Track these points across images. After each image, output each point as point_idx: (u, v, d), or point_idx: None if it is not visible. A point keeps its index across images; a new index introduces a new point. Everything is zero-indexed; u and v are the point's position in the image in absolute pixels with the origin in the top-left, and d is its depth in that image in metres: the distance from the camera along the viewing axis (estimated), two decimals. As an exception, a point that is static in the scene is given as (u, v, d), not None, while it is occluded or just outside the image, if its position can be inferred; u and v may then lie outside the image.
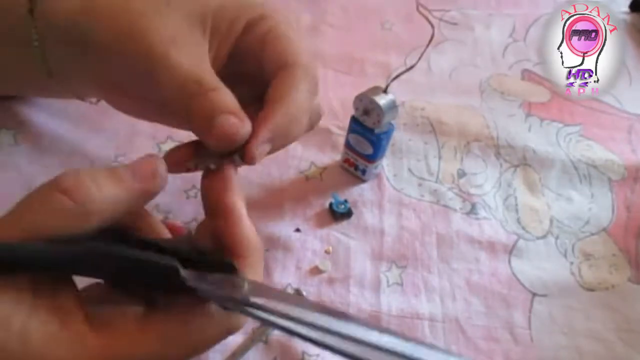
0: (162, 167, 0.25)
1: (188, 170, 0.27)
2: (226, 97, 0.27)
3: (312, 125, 0.32)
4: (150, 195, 0.25)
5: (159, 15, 0.28)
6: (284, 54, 0.29)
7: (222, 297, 0.24)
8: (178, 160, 0.28)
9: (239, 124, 0.26)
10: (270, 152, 0.28)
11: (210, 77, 0.27)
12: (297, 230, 0.40)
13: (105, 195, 0.23)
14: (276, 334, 0.35)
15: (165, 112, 0.31)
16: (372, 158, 0.40)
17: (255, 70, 0.30)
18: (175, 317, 0.24)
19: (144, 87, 0.29)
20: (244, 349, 0.34)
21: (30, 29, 0.30)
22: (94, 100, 0.37)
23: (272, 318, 0.23)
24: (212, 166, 0.27)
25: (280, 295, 0.25)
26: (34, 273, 0.22)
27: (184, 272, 0.23)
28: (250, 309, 0.23)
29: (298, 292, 0.36)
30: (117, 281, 0.25)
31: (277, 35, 0.30)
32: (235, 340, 0.34)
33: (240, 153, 0.27)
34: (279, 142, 0.29)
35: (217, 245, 0.27)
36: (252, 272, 0.25)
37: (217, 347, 0.34)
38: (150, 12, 0.28)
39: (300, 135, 0.31)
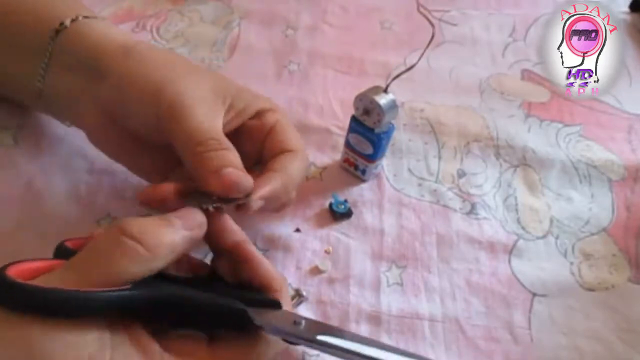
0: (203, 217, 0.29)
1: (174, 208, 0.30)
2: (237, 157, 0.32)
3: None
4: (196, 242, 0.29)
5: (186, 80, 0.33)
6: (288, 142, 0.35)
7: (288, 334, 0.28)
8: (163, 197, 0.31)
9: (243, 176, 0.30)
10: (256, 211, 0.32)
11: (225, 139, 0.32)
12: (297, 230, 0.40)
13: (167, 242, 0.26)
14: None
15: (145, 160, 0.36)
16: (372, 158, 0.40)
17: (250, 148, 0.36)
18: (240, 344, 0.27)
19: (153, 134, 0.33)
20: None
21: (46, 47, 0.34)
22: (67, 123, 0.41)
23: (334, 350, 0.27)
24: (211, 208, 0.30)
25: (335, 330, 0.29)
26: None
27: (250, 312, 0.27)
28: (315, 345, 0.27)
29: (298, 292, 0.36)
30: (182, 322, 0.27)
31: (281, 127, 0.36)
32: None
33: (234, 203, 0.31)
34: (270, 204, 0.33)
35: (238, 279, 0.31)
36: (285, 302, 0.30)
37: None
38: (177, 75, 0.33)
39: (287, 206, 0.36)
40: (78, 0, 0.38)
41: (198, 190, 0.31)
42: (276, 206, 0.35)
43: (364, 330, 0.35)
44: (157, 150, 0.35)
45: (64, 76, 0.35)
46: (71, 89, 0.35)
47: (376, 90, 0.37)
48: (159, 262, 0.25)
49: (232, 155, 0.31)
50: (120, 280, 0.24)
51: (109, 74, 0.33)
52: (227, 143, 0.32)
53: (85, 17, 0.35)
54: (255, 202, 0.31)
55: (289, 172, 0.34)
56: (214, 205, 0.30)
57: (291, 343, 0.28)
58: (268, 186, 0.32)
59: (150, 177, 0.37)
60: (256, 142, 0.36)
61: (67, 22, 0.34)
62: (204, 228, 0.29)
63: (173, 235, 0.26)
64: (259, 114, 0.36)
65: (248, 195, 0.31)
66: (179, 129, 0.31)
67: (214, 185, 0.30)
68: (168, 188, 0.31)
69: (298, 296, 0.36)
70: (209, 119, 0.32)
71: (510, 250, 0.40)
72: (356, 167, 0.42)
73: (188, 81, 0.33)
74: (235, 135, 0.35)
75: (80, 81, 0.34)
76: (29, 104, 0.41)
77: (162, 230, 0.26)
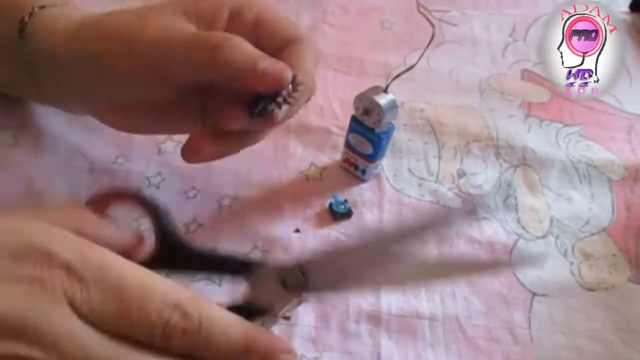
0: None
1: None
2: (251, 47, 0.29)
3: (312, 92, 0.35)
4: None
5: (147, 17, 0.30)
6: (284, 33, 0.32)
7: None
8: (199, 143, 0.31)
9: (279, 66, 0.28)
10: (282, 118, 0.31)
11: (225, 34, 0.29)
12: (297, 230, 0.40)
13: None
14: (275, 334, 0.35)
15: (166, 112, 0.33)
16: (372, 158, 0.40)
17: None
18: None
19: (154, 83, 0.31)
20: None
21: (18, 48, 0.32)
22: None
23: None
24: (279, 107, 0.29)
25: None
26: None
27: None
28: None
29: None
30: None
31: (268, 18, 0.32)
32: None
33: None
34: (296, 108, 0.32)
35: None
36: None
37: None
38: (135, 20, 0.30)
39: (308, 100, 0.34)
40: None
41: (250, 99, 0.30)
42: (300, 106, 0.33)
43: (364, 329, 0.35)
44: (176, 107, 0.33)
45: (40, 72, 0.34)
46: (50, 84, 0.34)
47: (376, 90, 0.37)
48: None
49: (247, 44, 0.29)
50: None
51: (66, 62, 0.31)
52: (224, 35, 0.29)
53: (41, 6, 0.33)
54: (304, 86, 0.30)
55: (307, 67, 0.32)
56: (279, 102, 0.29)
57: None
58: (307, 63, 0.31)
59: (182, 129, 0.36)
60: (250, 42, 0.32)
61: (26, 18, 0.33)
62: None
63: None
64: (233, 15, 0.32)
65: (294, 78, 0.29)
66: (174, 54, 0.29)
67: (257, 85, 0.28)
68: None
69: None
70: (192, 30, 0.30)
71: (511, 250, 0.40)
72: (356, 167, 0.42)
73: (147, 21, 0.30)
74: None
75: (50, 76, 0.33)
76: (31, 99, 0.41)
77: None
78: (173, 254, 0.28)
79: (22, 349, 0.18)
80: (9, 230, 0.20)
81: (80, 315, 0.19)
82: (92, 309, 0.19)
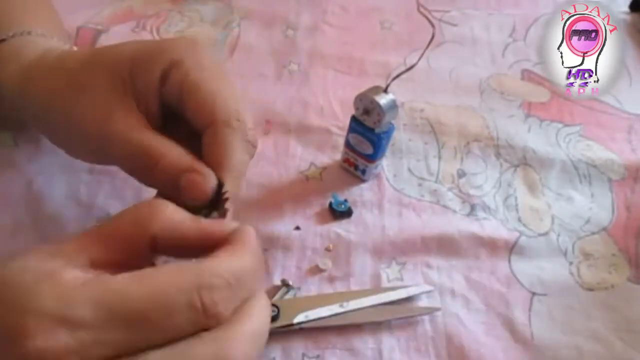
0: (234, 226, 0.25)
1: None
2: (180, 158, 0.28)
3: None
4: (212, 239, 0.24)
5: (84, 91, 0.29)
6: (202, 111, 0.29)
7: None
8: None
9: (200, 178, 0.27)
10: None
11: (156, 143, 0.28)
12: (297, 228, 0.40)
13: (175, 217, 0.23)
14: (276, 333, 0.35)
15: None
16: (372, 158, 0.40)
17: (186, 113, 0.30)
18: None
19: (95, 155, 0.32)
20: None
21: None
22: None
23: None
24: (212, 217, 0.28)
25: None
26: None
27: None
28: None
29: (284, 282, 0.37)
30: None
31: (190, 88, 0.29)
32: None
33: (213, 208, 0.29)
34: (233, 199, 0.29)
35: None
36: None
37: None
38: (74, 97, 0.29)
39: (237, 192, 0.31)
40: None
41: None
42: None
43: (365, 326, 0.35)
44: None
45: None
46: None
47: (376, 90, 0.37)
48: (150, 229, 0.22)
49: (172, 159, 0.27)
50: (112, 238, 0.22)
51: (15, 104, 0.33)
52: (159, 147, 0.28)
53: (2, 39, 0.34)
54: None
55: (232, 163, 0.29)
56: (211, 215, 0.28)
57: None
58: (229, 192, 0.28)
59: None
60: (182, 106, 0.30)
61: None
62: (225, 233, 0.25)
63: (186, 218, 0.24)
64: (163, 78, 0.29)
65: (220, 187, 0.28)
66: (109, 154, 0.29)
67: (182, 198, 0.27)
68: None
69: (285, 286, 0.36)
70: (128, 129, 0.28)
71: (512, 248, 0.40)
72: (356, 167, 0.42)
73: (83, 102, 0.29)
74: (166, 107, 0.30)
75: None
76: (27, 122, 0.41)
77: (179, 211, 0.24)
78: None
79: None
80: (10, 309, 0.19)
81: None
82: (113, 342, 0.19)
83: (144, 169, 0.28)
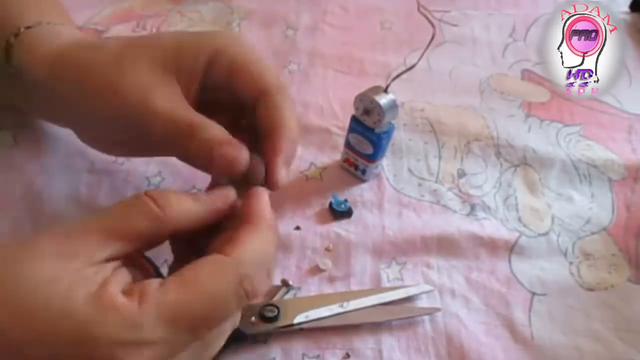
0: (233, 193, 0.28)
1: None
2: (217, 131, 0.29)
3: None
4: (221, 212, 0.28)
5: (125, 71, 0.30)
6: (255, 82, 0.31)
7: None
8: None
9: (235, 151, 0.28)
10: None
11: (196, 116, 0.29)
12: (297, 228, 0.40)
13: (182, 206, 0.25)
14: (276, 333, 0.35)
15: (153, 151, 0.34)
16: (373, 158, 0.40)
17: (227, 99, 0.32)
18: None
19: (126, 137, 0.31)
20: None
21: (5, 67, 0.33)
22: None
23: None
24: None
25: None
26: None
27: None
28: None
29: (285, 282, 0.37)
30: None
31: (240, 66, 0.31)
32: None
33: (261, 182, 0.30)
34: (289, 164, 0.31)
35: None
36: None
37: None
38: (115, 70, 0.30)
39: (294, 152, 0.33)
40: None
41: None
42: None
43: (365, 326, 0.35)
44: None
45: (34, 96, 0.34)
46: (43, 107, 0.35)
47: (376, 90, 0.37)
48: (170, 223, 0.25)
49: (212, 131, 0.29)
50: (132, 235, 0.24)
51: (43, 89, 0.32)
52: (199, 120, 0.29)
53: (28, 27, 0.33)
54: (281, 174, 0.30)
55: (287, 123, 0.31)
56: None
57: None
58: (283, 153, 0.30)
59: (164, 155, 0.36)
60: (226, 90, 0.32)
61: (12, 40, 0.33)
62: (230, 202, 0.28)
63: (191, 203, 0.26)
64: (210, 63, 0.31)
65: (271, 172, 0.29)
66: (147, 126, 0.29)
67: (212, 172, 0.29)
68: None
69: (285, 286, 0.36)
70: (169, 103, 0.29)
71: (512, 248, 0.40)
72: (356, 167, 0.42)
73: (127, 77, 0.30)
74: (204, 94, 0.32)
75: (25, 97, 0.34)
76: (34, 113, 0.41)
77: (181, 197, 0.26)
78: None
79: None
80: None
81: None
82: (181, 345, 0.23)
83: (181, 142, 0.29)
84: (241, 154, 0.29)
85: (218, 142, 0.29)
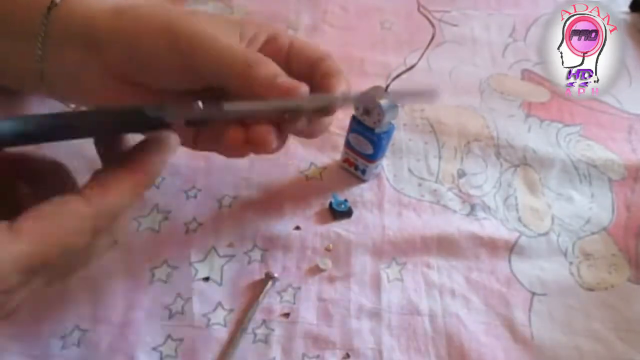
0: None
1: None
2: (279, 68, 0.31)
3: None
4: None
5: (189, 17, 0.32)
6: (314, 53, 0.35)
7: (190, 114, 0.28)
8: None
9: (297, 82, 0.30)
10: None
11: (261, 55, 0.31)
12: (297, 228, 0.40)
13: None
14: (276, 334, 0.35)
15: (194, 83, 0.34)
16: (373, 158, 0.40)
17: None
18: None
19: (184, 78, 0.32)
20: (233, 345, 0.34)
21: (40, 26, 0.33)
22: (72, 106, 0.41)
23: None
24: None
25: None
26: None
27: (147, 109, 0.27)
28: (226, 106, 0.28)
29: (268, 274, 0.37)
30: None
31: (299, 44, 0.35)
32: (222, 337, 0.34)
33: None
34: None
35: None
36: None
37: (204, 345, 0.34)
38: (185, 15, 0.32)
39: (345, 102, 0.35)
40: None
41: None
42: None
43: (365, 326, 0.36)
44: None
45: (63, 53, 0.34)
46: (72, 65, 0.34)
47: (377, 90, 0.37)
48: None
49: (276, 65, 0.31)
50: None
51: (107, 38, 0.32)
52: (265, 57, 0.31)
53: None
54: (339, 99, 0.33)
55: (339, 71, 0.34)
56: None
57: (197, 125, 0.28)
58: (343, 84, 0.33)
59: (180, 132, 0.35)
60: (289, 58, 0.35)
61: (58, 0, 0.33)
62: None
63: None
64: (269, 40, 0.35)
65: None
66: (209, 56, 0.30)
67: (271, 96, 0.30)
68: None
69: (270, 279, 0.37)
70: (235, 42, 0.32)
71: (512, 248, 0.40)
72: (356, 167, 0.42)
73: (195, 17, 0.32)
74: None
75: (79, 55, 0.33)
76: (31, 90, 0.40)
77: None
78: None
79: None
80: None
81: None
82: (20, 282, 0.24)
83: (246, 68, 0.30)
84: (302, 87, 0.30)
85: (281, 71, 0.31)
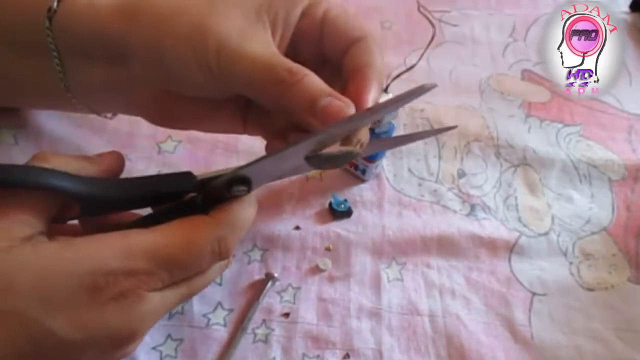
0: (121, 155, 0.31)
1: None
2: (319, 81, 0.28)
3: None
4: (115, 172, 0.31)
5: (219, 13, 0.28)
6: (349, 31, 0.31)
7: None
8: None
9: (341, 104, 0.27)
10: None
11: (294, 63, 0.28)
12: (297, 228, 0.40)
13: (71, 167, 0.27)
14: (276, 333, 0.35)
15: (219, 113, 0.33)
16: (372, 158, 0.40)
17: (310, 55, 0.31)
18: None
19: (212, 87, 0.29)
20: (233, 345, 0.34)
21: (45, 37, 0.29)
22: (109, 115, 0.37)
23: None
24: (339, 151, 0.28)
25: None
26: None
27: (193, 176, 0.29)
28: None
29: (269, 275, 0.37)
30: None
31: (333, 16, 0.31)
32: (221, 337, 0.34)
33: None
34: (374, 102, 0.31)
35: None
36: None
37: (204, 345, 0.34)
38: (208, 11, 0.28)
39: (379, 95, 0.32)
40: None
41: (297, 129, 0.29)
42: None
43: (365, 326, 0.36)
44: (225, 104, 0.32)
45: (83, 68, 0.31)
46: (97, 78, 0.31)
47: (376, 90, 0.37)
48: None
49: (315, 80, 0.27)
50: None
51: (124, 45, 0.29)
52: (300, 67, 0.28)
53: None
54: (368, 119, 0.29)
55: (376, 66, 0.30)
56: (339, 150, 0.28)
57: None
58: (371, 91, 0.29)
59: (236, 131, 0.34)
60: (313, 44, 0.31)
61: (55, 5, 0.29)
62: (121, 161, 0.31)
63: (79, 163, 0.28)
64: (304, 14, 0.31)
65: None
66: (241, 71, 0.27)
67: (315, 122, 0.27)
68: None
69: (270, 279, 0.37)
70: (264, 48, 0.28)
71: (512, 248, 0.40)
72: (356, 167, 0.42)
73: (218, 18, 0.28)
74: (292, 47, 0.31)
75: (101, 69, 0.30)
76: (63, 106, 0.36)
77: (69, 159, 0.28)
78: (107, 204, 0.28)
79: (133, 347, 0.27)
80: (74, 269, 0.24)
81: (158, 289, 0.26)
82: (163, 279, 0.26)
83: (278, 88, 0.27)
84: (347, 107, 0.27)
85: (324, 92, 0.27)
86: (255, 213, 0.30)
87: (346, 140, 0.28)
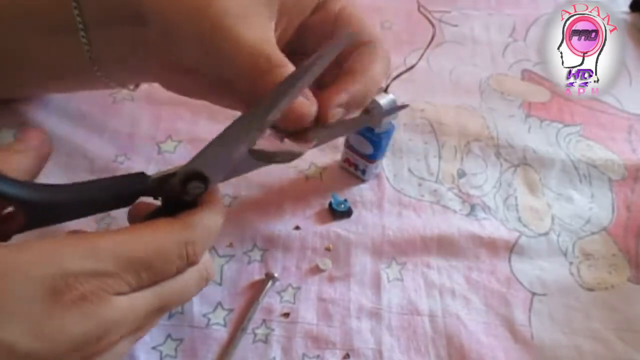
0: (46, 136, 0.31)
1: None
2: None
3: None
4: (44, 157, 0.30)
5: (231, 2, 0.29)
6: (360, 32, 0.31)
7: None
8: None
9: (306, 102, 0.27)
10: (332, 123, 0.30)
11: (278, 54, 0.28)
12: (297, 228, 0.40)
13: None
14: (276, 333, 0.35)
15: (224, 90, 0.32)
16: (372, 158, 0.40)
17: (316, 48, 0.30)
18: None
19: (207, 63, 0.30)
20: (233, 345, 0.34)
21: (73, 12, 0.30)
22: (131, 86, 0.38)
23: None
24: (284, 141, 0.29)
25: None
26: None
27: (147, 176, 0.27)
28: None
29: (268, 275, 0.37)
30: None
31: (349, 14, 0.32)
32: (221, 337, 0.34)
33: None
34: (351, 109, 0.31)
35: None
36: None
37: (204, 345, 0.34)
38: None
39: (365, 104, 0.33)
40: None
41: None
42: (356, 110, 0.32)
43: (365, 326, 0.35)
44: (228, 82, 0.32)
45: (110, 35, 0.31)
46: (119, 45, 0.32)
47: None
48: None
49: (286, 73, 0.28)
50: None
51: (148, 12, 0.29)
52: (279, 58, 0.28)
53: None
54: (335, 111, 0.29)
55: (373, 71, 0.31)
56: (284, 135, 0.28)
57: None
58: (350, 90, 0.29)
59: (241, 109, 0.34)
60: (322, 37, 0.32)
61: None
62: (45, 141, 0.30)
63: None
64: (318, 7, 0.31)
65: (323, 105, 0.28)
66: (225, 59, 0.28)
67: (285, 120, 0.27)
68: None
69: (270, 279, 0.37)
70: (256, 34, 0.28)
71: (512, 248, 0.40)
72: (356, 167, 0.42)
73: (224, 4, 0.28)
74: (298, 37, 0.31)
75: (126, 33, 0.31)
76: (88, 83, 0.38)
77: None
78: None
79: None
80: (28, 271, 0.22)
81: (124, 293, 0.24)
82: (129, 282, 0.24)
83: (254, 76, 0.28)
84: (310, 107, 0.27)
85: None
86: (223, 220, 0.29)
87: (294, 135, 0.29)
